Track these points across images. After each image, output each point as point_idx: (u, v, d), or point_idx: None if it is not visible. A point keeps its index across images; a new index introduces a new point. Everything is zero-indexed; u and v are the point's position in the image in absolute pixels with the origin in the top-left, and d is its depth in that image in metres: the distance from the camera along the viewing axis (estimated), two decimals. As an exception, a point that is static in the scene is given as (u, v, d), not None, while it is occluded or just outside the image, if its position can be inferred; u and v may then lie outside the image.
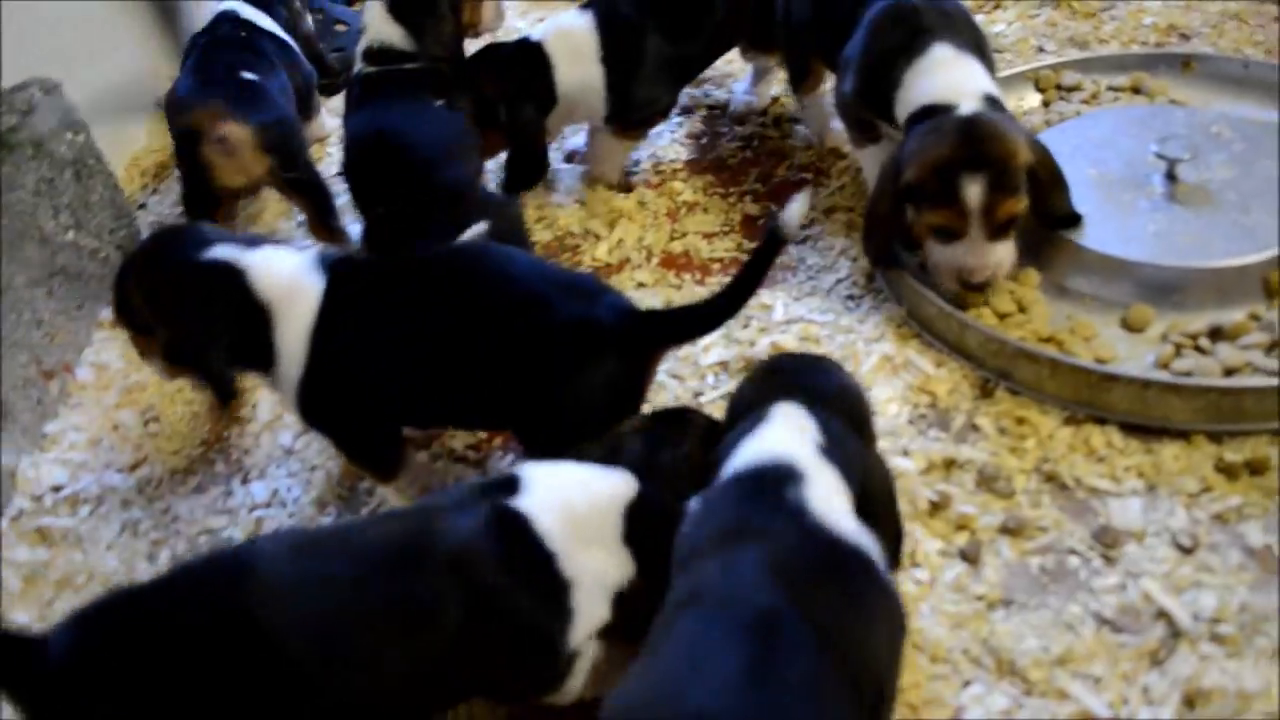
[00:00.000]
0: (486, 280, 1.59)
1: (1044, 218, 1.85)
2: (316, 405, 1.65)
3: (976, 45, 1.88)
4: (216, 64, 2.38)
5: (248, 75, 2.35)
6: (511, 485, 1.34)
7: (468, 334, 1.56)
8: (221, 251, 1.65)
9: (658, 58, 2.30)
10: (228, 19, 2.58)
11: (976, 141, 1.71)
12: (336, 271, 1.64)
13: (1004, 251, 1.78)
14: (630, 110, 2.35)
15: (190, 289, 1.65)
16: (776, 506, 1.20)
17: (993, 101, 1.79)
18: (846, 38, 1.97)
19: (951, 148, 1.72)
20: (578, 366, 1.54)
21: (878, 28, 1.92)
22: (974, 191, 1.71)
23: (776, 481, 1.23)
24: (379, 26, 2.24)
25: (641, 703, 1.07)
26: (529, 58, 2.28)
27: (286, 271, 1.63)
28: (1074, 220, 1.88)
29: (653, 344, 1.59)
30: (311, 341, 1.60)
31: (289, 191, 2.37)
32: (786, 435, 1.29)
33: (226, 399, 1.78)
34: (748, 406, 1.38)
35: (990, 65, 1.90)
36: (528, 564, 1.29)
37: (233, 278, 1.62)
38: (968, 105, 1.77)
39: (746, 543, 1.16)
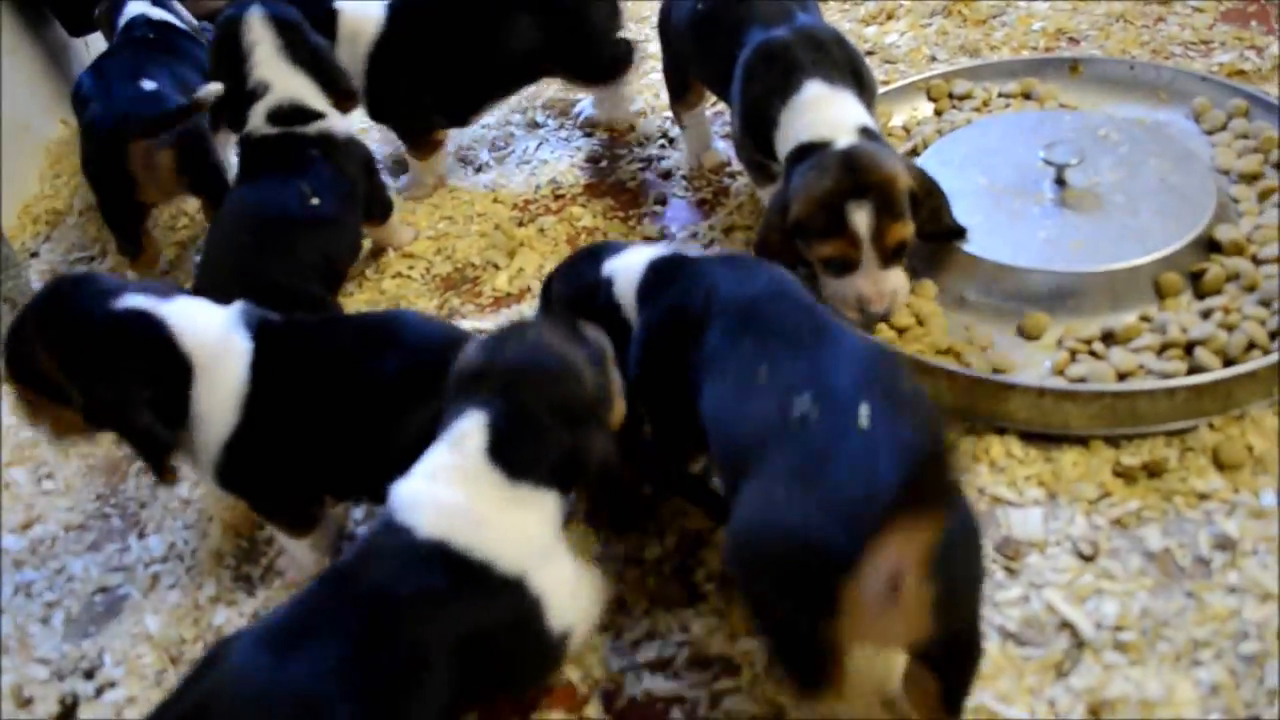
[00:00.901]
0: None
1: (930, 235, 1.86)
2: (239, 472, 1.59)
3: (852, 73, 1.90)
4: (127, 75, 2.37)
5: (150, 86, 2.34)
6: (398, 524, 1.29)
7: (404, 404, 1.52)
8: (135, 300, 1.55)
9: (415, 82, 2.35)
10: (141, 22, 2.57)
11: (858, 171, 1.72)
12: (265, 332, 1.57)
13: (898, 279, 1.79)
14: (383, 117, 2.44)
15: (105, 341, 1.54)
16: (696, 267, 1.57)
17: (868, 133, 1.81)
18: (728, 67, 1.97)
19: (834, 180, 1.73)
20: None
21: (752, 69, 1.93)
22: (861, 219, 1.72)
23: (680, 260, 1.61)
24: (283, 80, 2.08)
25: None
26: (324, 23, 2.29)
27: (214, 327, 1.55)
28: (959, 233, 1.88)
29: None
30: (245, 407, 1.54)
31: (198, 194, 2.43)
32: (642, 254, 1.64)
33: (160, 467, 1.60)
34: (585, 283, 1.66)
35: (869, 90, 1.92)
36: (472, 584, 1.26)
37: (152, 328, 1.54)
38: (844, 140, 1.78)
39: (725, 281, 1.49)
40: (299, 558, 1.73)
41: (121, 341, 1.53)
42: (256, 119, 2.08)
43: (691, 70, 2.23)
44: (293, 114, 2.08)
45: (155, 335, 1.54)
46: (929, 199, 1.82)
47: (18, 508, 1.98)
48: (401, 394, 1.51)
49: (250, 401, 1.54)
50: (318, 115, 2.10)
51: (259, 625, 1.27)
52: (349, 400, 1.54)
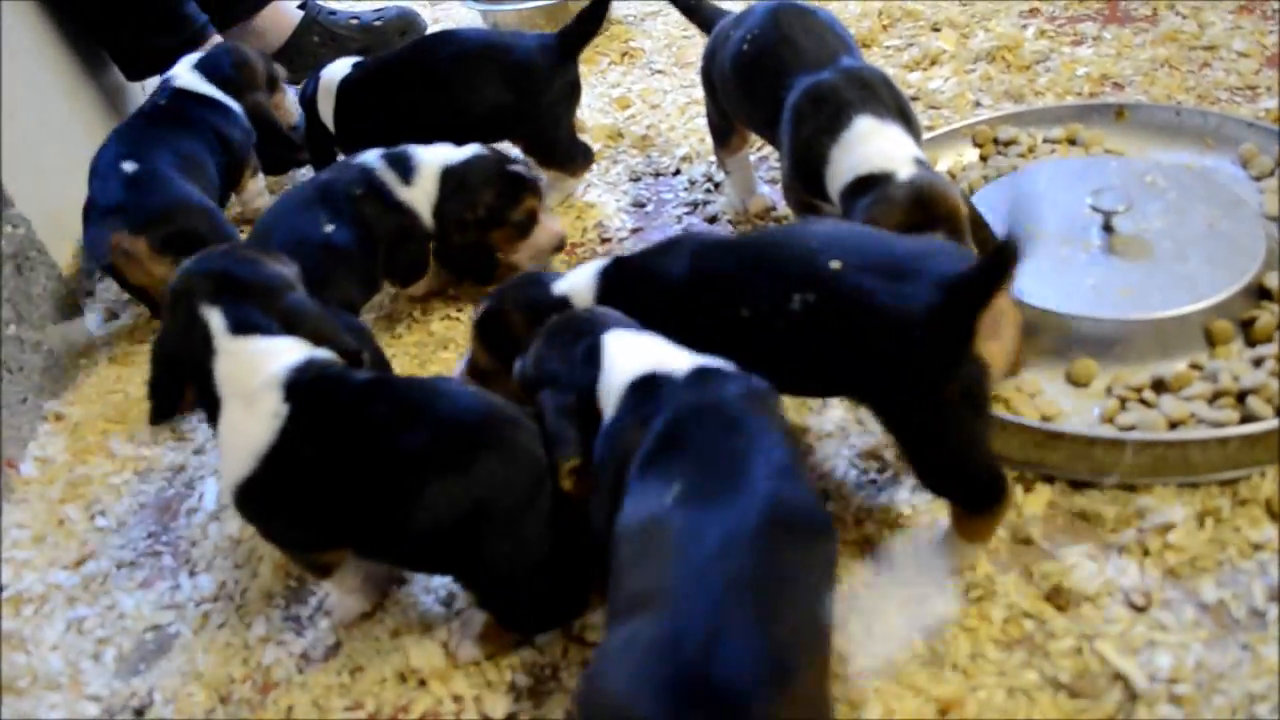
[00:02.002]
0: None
1: None
2: (250, 507, 1.63)
3: (899, 111, 1.90)
4: (111, 159, 2.39)
5: (129, 167, 2.35)
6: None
7: (424, 480, 1.51)
8: (215, 318, 1.63)
9: (368, 122, 2.54)
10: (163, 91, 2.61)
11: (927, 205, 1.73)
12: (305, 392, 1.58)
13: None
14: (349, 150, 2.51)
15: (172, 320, 1.69)
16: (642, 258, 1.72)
17: (922, 165, 1.81)
18: (774, 110, 1.99)
19: (906, 214, 1.73)
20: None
21: (800, 112, 1.94)
22: None
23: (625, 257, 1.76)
24: (415, 202, 2.22)
25: None
26: (313, 87, 2.63)
27: (256, 380, 1.58)
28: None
29: None
30: (265, 460, 1.56)
31: None
32: (586, 270, 1.74)
33: (153, 417, 1.79)
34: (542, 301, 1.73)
35: (915, 129, 1.92)
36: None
37: (201, 350, 1.62)
38: (905, 171, 1.78)
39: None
40: (336, 599, 1.75)
41: (176, 331, 1.67)
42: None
43: (738, 112, 2.25)
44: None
45: (201, 361, 1.62)
46: (976, 230, 1.82)
47: (71, 544, 2.01)
48: (423, 470, 1.51)
49: (271, 457, 1.56)
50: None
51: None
52: (369, 471, 1.53)
